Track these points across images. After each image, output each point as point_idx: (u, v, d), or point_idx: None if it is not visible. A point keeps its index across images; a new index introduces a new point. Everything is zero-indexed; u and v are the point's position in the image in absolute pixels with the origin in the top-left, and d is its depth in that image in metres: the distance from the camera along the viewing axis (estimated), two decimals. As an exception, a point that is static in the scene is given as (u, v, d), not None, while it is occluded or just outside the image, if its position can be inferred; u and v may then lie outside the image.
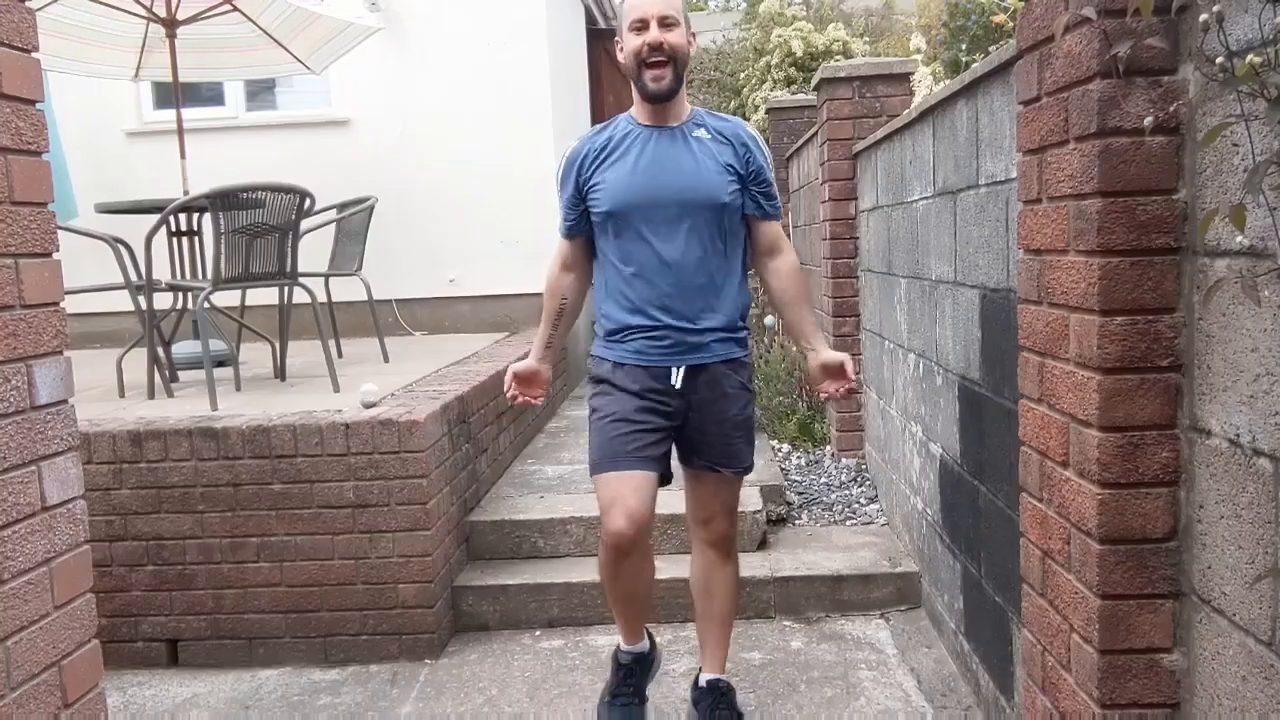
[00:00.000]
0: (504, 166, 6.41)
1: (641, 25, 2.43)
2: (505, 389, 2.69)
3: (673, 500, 3.09)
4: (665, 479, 2.57)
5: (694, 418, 2.53)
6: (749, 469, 2.66)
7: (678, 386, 2.50)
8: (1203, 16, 1.26)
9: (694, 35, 2.56)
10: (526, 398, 2.69)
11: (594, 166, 2.54)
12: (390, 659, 3.33)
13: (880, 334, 4.12)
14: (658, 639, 3.02)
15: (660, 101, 2.48)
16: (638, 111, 2.56)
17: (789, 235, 6.99)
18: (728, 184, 2.50)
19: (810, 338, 2.62)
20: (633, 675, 2.71)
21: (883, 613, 3.49)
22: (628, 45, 2.47)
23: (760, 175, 2.55)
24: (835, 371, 2.57)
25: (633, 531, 2.41)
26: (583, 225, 2.60)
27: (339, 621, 3.34)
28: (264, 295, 4.63)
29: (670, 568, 3.50)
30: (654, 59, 2.42)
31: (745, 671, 3.09)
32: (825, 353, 2.58)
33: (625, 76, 2.57)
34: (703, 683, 2.72)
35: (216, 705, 3.10)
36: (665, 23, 2.42)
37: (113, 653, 3.20)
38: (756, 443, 4.81)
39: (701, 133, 2.53)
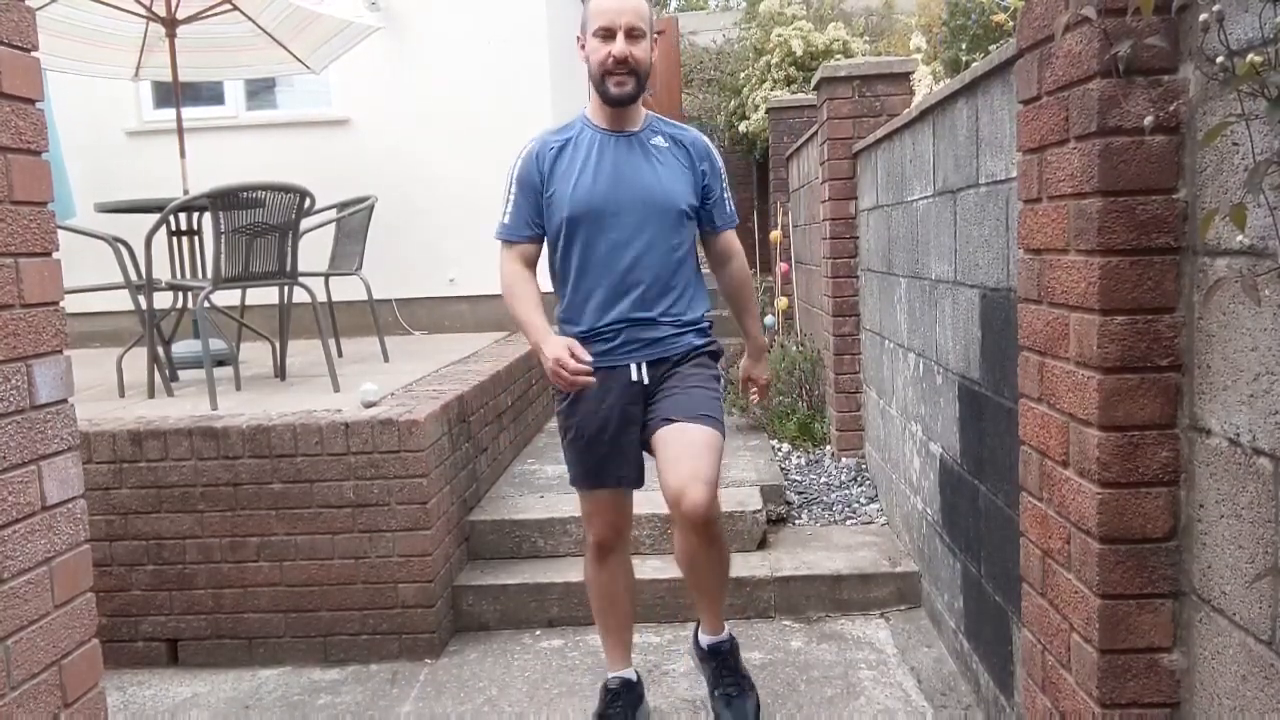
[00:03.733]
0: (504, 165, 6.37)
1: (608, 34, 2.43)
2: (570, 372, 2.33)
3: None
4: (639, 483, 2.66)
5: (655, 391, 2.57)
6: (713, 420, 2.49)
7: (642, 381, 2.55)
8: (1203, 16, 1.26)
9: (656, 38, 2.58)
10: (586, 367, 2.36)
11: (553, 167, 2.53)
12: (390, 658, 3.33)
13: (880, 333, 4.12)
14: (657, 638, 3.03)
15: (620, 106, 2.51)
16: (595, 114, 2.57)
17: (788, 236, 6.99)
18: (685, 192, 2.56)
19: (750, 339, 2.84)
20: (618, 699, 2.74)
21: (883, 612, 3.49)
22: (592, 51, 2.48)
23: (716, 188, 2.64)
24: (758, 384, 2.89)
25: (613, 535, 2.70)
26: (542, 227, 2.58)
27: (339, 621, 3.34)
28: (264, 295, 4.63)
29: (670, 568, 3.49)
30: (617, 70, 2.44)
31: (745, 671, 3.09)
32: (756, 366, 2.88)
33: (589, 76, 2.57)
34: (704, 645, 2.79)
35: (216, 705, 3.10)
36: (632, 34, 2.43)
37: (113, 652, 3.20)
38: (756, 442, 4.86)
39: (659, 140, 2.57)
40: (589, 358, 2.37)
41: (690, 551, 2.61)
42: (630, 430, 2.57)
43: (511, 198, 2.57)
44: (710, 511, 2.44)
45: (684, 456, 2.42)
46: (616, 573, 2.76)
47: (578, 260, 2.54)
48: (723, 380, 2.73)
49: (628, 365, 2.54)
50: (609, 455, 2.58)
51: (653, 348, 2.55)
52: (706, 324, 2.65)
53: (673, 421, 2.47)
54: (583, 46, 2.52)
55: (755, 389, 2.91)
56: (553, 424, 5.71)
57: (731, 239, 2.74)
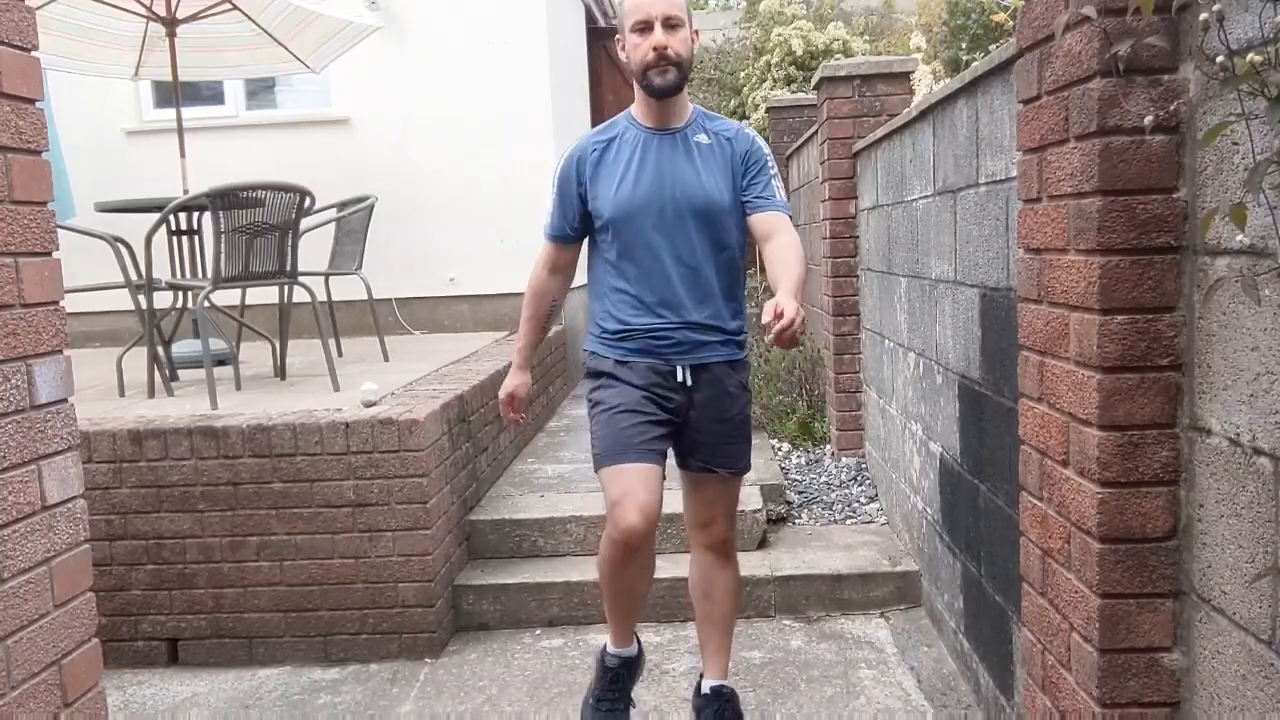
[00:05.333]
0: (504, 166, 6.41)
1: (645, 26, 2.39)
2: (506, 414, 2.75)
3: (673, 498, 3.09)
4: (663, 463, 2.53)
5: (694, 417, 2.51)
6: (747, 469, 2.64)
7: (685, 383, 2.48)
8: (1203, 15, 1.26)
9: (698, 32, 2.54)
10: (519, 418, 2.77)
11: (596, 169, 2.51)
12: (390, 658, 3.33)
13: (880, 333, 4.12)
14: (657, 638, 3.02)
15: (665, 97, 2.45)
16: (639, 112, 2.53)
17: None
18: (727, 190, 2.49)
19: (780, 285, 2.28)
20: (619, 680, 2.69)
21: (883, 612, 3.49)
22: (632, 47, 2.43)
23: (759, 177, 2.50)
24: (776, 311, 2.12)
25: (645, 526, 2.35)
26: (580, 230, 2.57)
27: (339, 620, 3.34)
28: (264, 294, 4.63)
29: (670, 567, 3.50)
30: (659, 61, 2.39)
31: (745, 671, 3.09)
32: (780, 296, 2.15)
33: (626, 75, 2.54)
34: (706, 689, 2.68)
35: (216, 704, 3.10)
36: (669, 24, 2.39)
37: (113, 652, 3.20)
38: (756, 441, 4.85)
39: (703, 137, 2.51)
40: (524, 415, 2.78)
41: (706, 572, 2.62)
42: (666, 414, 2.48)
43: (553, 200, 2.59)
44: (731, 535, 2.66)
45: (718, 500, 2.61)
46: (641, 573, 2.58)
47: (619, 261, 2.49)
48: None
49: (673, 367, 2.49)
50: (643, 425, 2.44)
51: (698, 351, 2.49)
52: (744, 334, 2.60)
53: (715, 473, 2.58)
54: (622, 48, 2.49)
55: (776, 322, 2.05)
56: (553, 424, 5.72)
57: (778, 219, 2.45)
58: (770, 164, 2.53)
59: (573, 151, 2.56)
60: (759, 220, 2.46)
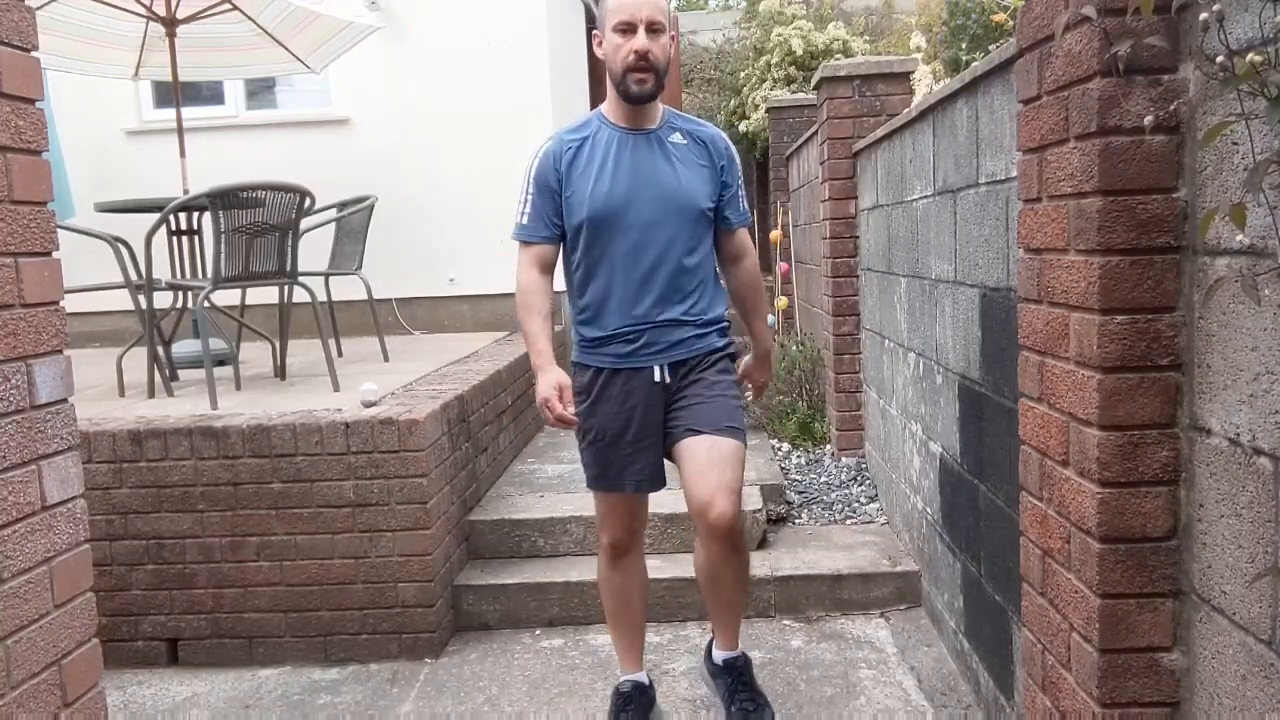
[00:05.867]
0: (504, 166, 6.36)
1: (628, 28, 2.40)
2: (554, 415, 2.41)
3: (673, 500, 3.09)
4: (660, 484, 2.61)
5: (673, 395, 2.55)
6: (738, 432, 2.51)
7: (663, 381, 2.52)
8: (1203, 15, 1.26)
9: (674, 36, 2.56)
10: (569, 415, 2.43)
11: (570, 168, 2.49)
12: (390, 658, 3.33)
13: (880, 333, 4.12)
14: (656, 638, 3.01)
15: (640, 103, 2.47)
16: (612, 111, 2.53)
17: (788, 235, 6.99)
18: (704, 190, 2.53)
19: (757, 341, 2.80)
20: (630, 703, 2.73)
21: (883, 612, 3.49)
22: (612, 46, 2.44)
23: (732, 185, 2.61)
24: (755, 384, 2.84)
25: (628, 537, 2.69)
26: (559, 226, 2.53)
27: (339, 621, 3.34)
28: (264, 294, 4.63)
29: (670, 567, 3.50)
30: (639, 65, 2.40)
31: (745, 670, 3.09)
32: (759, 369, 2.83)
33: (599, 71, 2.54)
34: (719, 660, 2.76)
35: (216, 704, 3.10)
36: (653, 29, 2.40)
37: (113, 652, 3.20)
38: (756, 442, 4.86)
39: (677, 137, 2.54)
40: (572, 411, 2.45)
41: (713, 563, 2.58)
42: (651, 432, 2.54)
43: (529, 198, 2.51)
44: (737, 522, 2.48)
45: (711, 468, 2.44)
46: (630, 574, 2.73)
47: (598, 262, 2.49)
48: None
49: (650, 367, 2.50)
50: (630, 458, 2.54)
51: (676, 349, 2.52)
52: (726, 323, 2.63)
53: (699, 433, 2.48)
54: (599, 44, 2.48)
55: (752, 388, 2.87)
56: (553, 424, 5.71)
57: (744, 237, 2.70)
58: (739, 170, 2.65)
59: (549, 149, 2.53)
60: (729, 240, 2.67)
